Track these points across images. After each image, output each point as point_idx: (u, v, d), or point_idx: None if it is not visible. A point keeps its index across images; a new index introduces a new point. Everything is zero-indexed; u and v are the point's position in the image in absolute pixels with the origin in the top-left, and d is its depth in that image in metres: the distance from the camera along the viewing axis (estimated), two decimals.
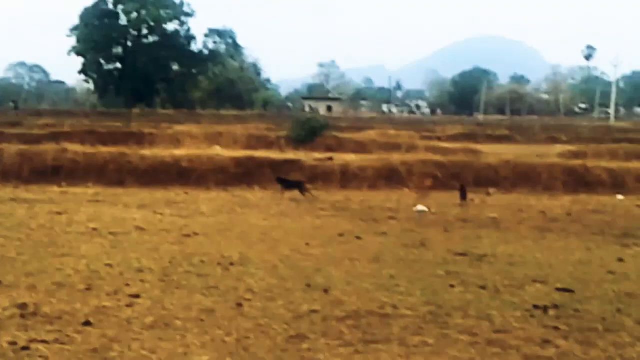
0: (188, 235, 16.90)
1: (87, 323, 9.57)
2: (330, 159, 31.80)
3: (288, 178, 27.01)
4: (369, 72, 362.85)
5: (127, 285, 11.71)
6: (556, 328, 9.81)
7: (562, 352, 8.83)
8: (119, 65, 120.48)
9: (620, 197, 28.25)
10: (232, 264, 13.67)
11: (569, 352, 8.81)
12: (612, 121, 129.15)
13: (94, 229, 17.34)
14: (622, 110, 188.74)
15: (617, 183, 30.41)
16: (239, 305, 10.66)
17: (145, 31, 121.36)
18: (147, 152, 30.82)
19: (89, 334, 9.18)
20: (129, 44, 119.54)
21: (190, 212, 21.46)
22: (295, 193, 25.86)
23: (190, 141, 42.39)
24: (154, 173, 28.56)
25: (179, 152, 31.03)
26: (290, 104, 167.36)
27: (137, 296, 11.00)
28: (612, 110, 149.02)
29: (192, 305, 10.60)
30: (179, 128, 52.32)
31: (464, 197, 26.01)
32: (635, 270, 14.11)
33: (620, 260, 15.17)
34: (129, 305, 10.49)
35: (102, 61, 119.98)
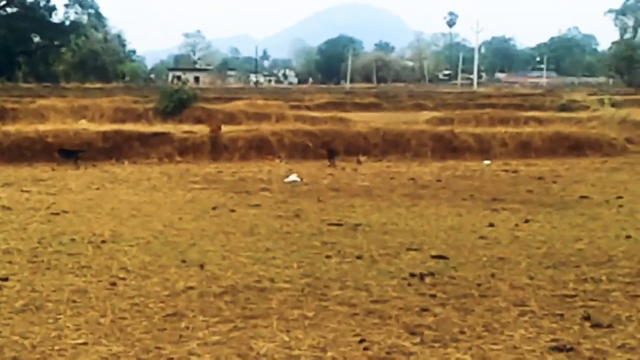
0: (57, 214, 16.40)
1: None
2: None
3: None
4: (235, 41, 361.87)
5: None
6: (433, 296, 9.89)
7: (440, 319, 8.89)
8: None
9: (487, 162, 28.86)
10: (103, 241, 13.33)
11: (446, 320, 8.88)
12: (475, 87, 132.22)
13: None
14: (484, 75, 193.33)
15: (483, 148, 31.04)
16: (113, 284, 10.39)
17: (3, 2, 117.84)
18: (10, 127, 29.82)
19: None
20: None
21: (57, 189, 20.86)
22: (165, 167, 25.66)
23: (55, 115, 41.15)
24: (18, 149, 27.61)
25: (43, 127, 30.09)
26: (152, 76, 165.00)
27: (5, 279, 10.58)
28: (475, 76, 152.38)
29: (64, 286, 10.27)
30: (43, 102, 50.78)
31: (332, 159, 26.34)
32: (505, 234, 14.38)
33: (491, 225, 15.44)
34: None
35: None
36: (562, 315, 9.09)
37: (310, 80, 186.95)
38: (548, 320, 8.90)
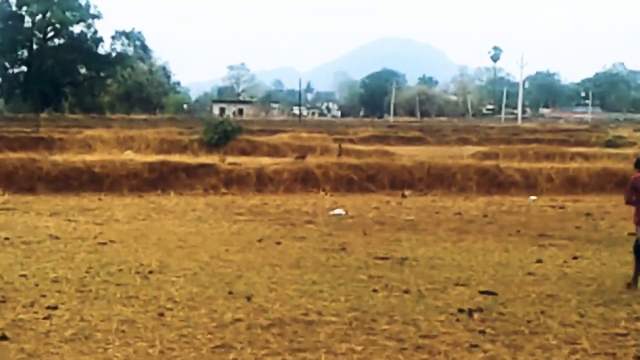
0: (104, 243, 16.52)
1: (3, 337, 9.21)
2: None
3: None
4: (279, 74, 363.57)
5: (44, 296, 11.35)
6: (482, 332, 9.81)
7: (490, 356, 8.82)
8: (24, 68, 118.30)
9: (533, 197, 28.65)
10: (151, 272, 13.40)
11: (497, 356, 8.80)
12: (519, 122, 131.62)
13: (6, 238, 16.79)
14: (528, 110, 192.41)
15: (529, 184, 30.82)
16: (161, 315, 10.43)
17: (51, 33, 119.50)
18: (57, 157, 30.14)
19: (6, 348, 8.85)
20: (35, 46, 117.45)
21: (104, 218, 21.03)
22: (210, 198, 25.71)
23: (101, 146, 41.71)
24: (65, 179, 27.88)
25: (90, 157, 30.42)
26: (185, 106, 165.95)
27: (54, 307, 10.66)
28: (519, 111, 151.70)
29: (112, 316, 10.32)
30: (89, 132, 51.35)
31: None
32: (554, 271, 14.25)
33: (539, 261, 15.31)
34: (46, 318, 10.15)
35: (7, 64, 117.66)
36: (614, 354, 8.98)
37: (361, 113, 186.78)
38: (600, 358, 8.79)
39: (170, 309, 10.73)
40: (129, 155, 33.87)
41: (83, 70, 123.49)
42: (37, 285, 12.12)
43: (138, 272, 13.33)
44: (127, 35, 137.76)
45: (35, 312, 10.43)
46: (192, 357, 8.63)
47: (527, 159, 39.94)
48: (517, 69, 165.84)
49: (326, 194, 28.59)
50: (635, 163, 13.69)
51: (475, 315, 10.61)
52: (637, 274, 12.79)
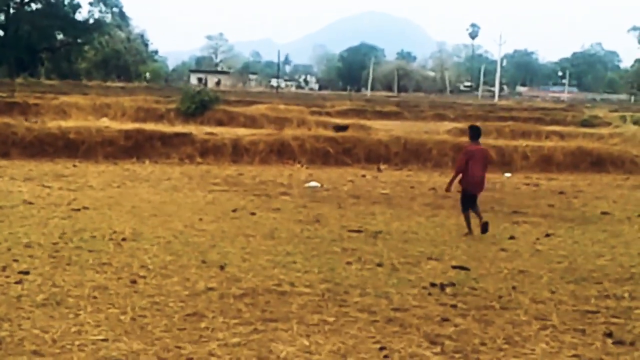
0: (77, 210, 16.46)
1: None
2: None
3: None
4: (257, 45, 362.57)
5: (16, 261, 11.31)
6: (454, 306, 9.86)
7: (461, 330, 8.85)
8: (0, 32, 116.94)
9: (507, 174, 28.78)
10: (124, 239, 13.37)
11: (467, 330, 8.84)
12: (496, 99, 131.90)
13: None
14: (505, 88, 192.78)
15: (504, 161, 30.91)
16: (133, 282, 10.41)
17: None
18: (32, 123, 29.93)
19: None
20: (12, 10, 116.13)
21: (79, 185, 20.94)
22: (186, 167, 25.69)
23: (77, 112, 41.40)
24: (40, 145, 27.72)
25: (66, 123, 30.23)
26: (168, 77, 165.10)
27: (26, 272, 10.63)
28: (496, 89, 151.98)
29: (85, 282, 10.30)
30: (65, 99, 50.89)
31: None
32: (526, 247, 14.34)
33: (512, 237, 15.41)
34: (18, 282, 10.12)
35: None
36: (583, 331, 9.04)
37: (349, 88, 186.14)
38: (569, 335, 8.85)
39: (143, 277, 10.71)
40: (104, 122, 33.70)
41: (60, 36, 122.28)
42: (9, 249, 12.07)
43: (111, 239, 13.29)
44: (105, 2, 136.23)
45: (7, 277, 10.39)
46: (163, 325, 8.61)
47: (503, 136, 40.16)
48: (495, 47, 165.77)
49: (302, 166, 28.62)
50: (470, 135, 16.29)
51: (447, 290, 10.66)
52: (469, 222, 15.66)
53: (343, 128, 34.80)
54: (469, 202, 15.95)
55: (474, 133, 16.26)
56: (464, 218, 15.97)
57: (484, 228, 15.33)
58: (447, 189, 16.60)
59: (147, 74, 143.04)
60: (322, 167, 28.61)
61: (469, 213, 15.88)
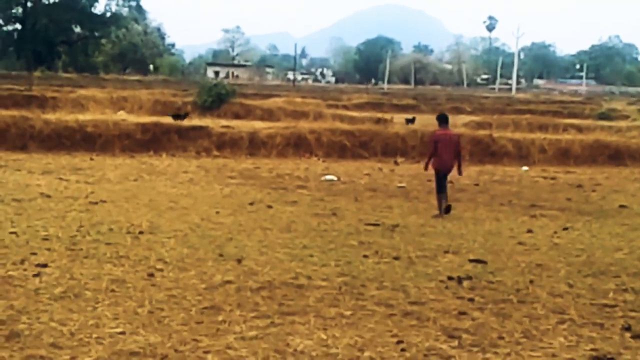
0: (95, 203, 16.51)
1: None
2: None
3: None
4: (274, 39, 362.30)
5: (34, 254, 11.34)
6: (471, 299, 9.83)
7: (478, 323, 8.82)
8: (18, 26, 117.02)
9: (525, 168, 28.71)
10: (141, 232, 13.39)
11: (485, 324, 8.81)
12: (513, 92, 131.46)
13: None
14: (522, 81, 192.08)
15: (521, 154, 30.86)
16: (151, 275, 10.42)
17: None
18: (50, 116, 30.02)
19: None
20: (29, 4, 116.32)
21: (96, 178, 21.01)
22: (202, 160, 25.75)
23: (94, 105, 41.51)
24: (57, 138, 27.78)
25: (83, 116, 30.31)
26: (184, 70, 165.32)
27: (44, 265, 10.66)
28: (513, 82, 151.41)
29: (102, 275, 10.32)
30: (83, 92, 51.01)
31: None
32: (544, 241, 14.28)
33: (530, 231, 15.36)
34: (36, 275, 10.14)
35: (1, 22, 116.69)
36: (602, 324, 8.99)
37: (372, 81, 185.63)
38: (587, 329, 8.81)
39: (160, 270, 10.73)
40: (121, 115, 33.82)
41: (77, 30, 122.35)
42: (27, 242, 12.11)
43: (129, 232, 13.33)
44: None
45: (25, 270, 10.42)
46: (180, 318, 8.62)
47: (520, 129, 39.96)
48: (513, 40, 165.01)
49: (319, 159, 28.62)
50: (438, 122, 18.04)
51: (465, 283, 10.64)
52: (441, 207, 17.04)
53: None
54: (442, 182, 17.43)
55: (442, 120, 18.02)
56: (437, 199, 17.46)
57: (447, 209, 16.99)
58: (425, 168, 18.21)
59: (151, 66, 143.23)
60: (338, 160, 28.63)
61: (442, 195, 17.33)
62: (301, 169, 25.43)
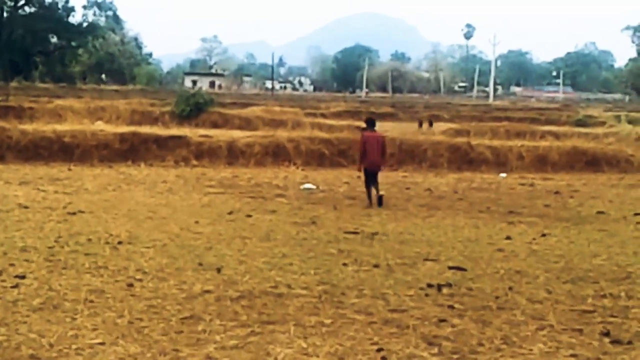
0: (73, 213, 16.44)
1: None
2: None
3: None
4: (251, 47, 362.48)
5: (12, 265, 11.28)
6: (451, 307, 9.84)
7: (458, 330, 8.84)
8: None
9: (503, 175, 28.80)
10: (120, 242, 13.34)
11: (465, 331, 8.82)
12: (491, 100, 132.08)
13: None
14: (500, 89, 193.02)
15: (499, 161, 30.93)
16: (130, 285, 10.39)
17: (21, 1, 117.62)
18: (27, 126, 29.92)
19: None
20: (5, 14, 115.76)
21: (74, 188, 20.92)
22: (181, 170, 25.66)
23: (72, 116, 41.33)
24: (35, 148, 27.67)
25: (61, 127, 30.19)
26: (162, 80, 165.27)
27: (22, 277, 10.60)
28: (491, 89, 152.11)
29: (81, 285, 10.27)
30: (60, 102, 50.96)
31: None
32: (523, 248, 14.32)
33: (508, 238, 15.38)
34: (14, 286, 10.08)
35: None
36: (581, 330, 9.02)
37: (365, 91, 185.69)
38: (567, 335, 8.84)
39: (140, 280, 10.69)
40: (99, 125, 33.74)
41: (54, 40, 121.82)
42: (5, 254, 12.04)
43: (107, 243, 13.27)
44: (99, 5, 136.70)
45: (3, 281, 10.36)
46: (160, 328, 8.60)
47: (497, 136, 40.14)
48: (490, 47, 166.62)
49: (297, 167, 28.62)
50: (365, 122, 21.17)
51: (444, 290, 10.65)
52: (371, 197, 19.78)
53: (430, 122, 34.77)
54: (369, 179, 20.07)
55: (369, 123, 20.81)
56: (366, 192, 20.14)
57: (379, 201, 19.53)
58: (358, 169, 20.69)
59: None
60: (317, 169, 28.64)
61: (370, 188, 19.97)
62: (280, 178, 25.43)
